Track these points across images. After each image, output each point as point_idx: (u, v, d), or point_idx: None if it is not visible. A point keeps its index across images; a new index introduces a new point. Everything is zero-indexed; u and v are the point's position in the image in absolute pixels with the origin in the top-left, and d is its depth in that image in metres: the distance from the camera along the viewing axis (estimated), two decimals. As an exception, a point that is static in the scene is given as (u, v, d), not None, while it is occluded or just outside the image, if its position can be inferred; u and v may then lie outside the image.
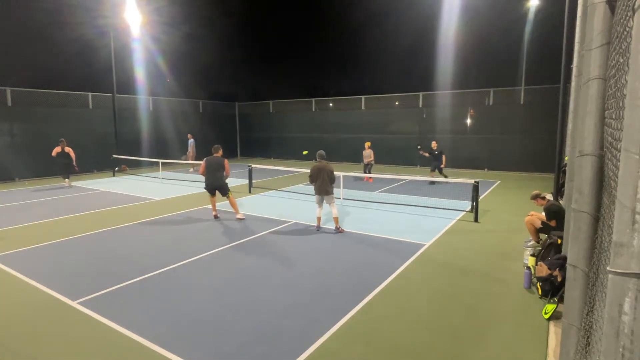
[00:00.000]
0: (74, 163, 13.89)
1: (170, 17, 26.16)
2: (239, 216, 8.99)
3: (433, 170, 13.90)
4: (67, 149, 13.75)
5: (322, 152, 8.10)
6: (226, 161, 9.03)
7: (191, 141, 18.32)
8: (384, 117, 20.73)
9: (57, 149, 13.70)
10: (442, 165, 13.74)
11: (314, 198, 8.10)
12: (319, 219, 8.06)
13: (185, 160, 17.92)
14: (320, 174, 7.77)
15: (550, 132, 13.41)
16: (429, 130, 19.17)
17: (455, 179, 11.36)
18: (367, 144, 15.27)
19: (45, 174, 16.29)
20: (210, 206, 9.50)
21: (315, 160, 8.12)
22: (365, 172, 14.76)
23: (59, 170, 14.25)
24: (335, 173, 7.93)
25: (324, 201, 7.99)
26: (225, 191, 9.02)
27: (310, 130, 23.16)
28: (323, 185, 7.77)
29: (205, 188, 9.05)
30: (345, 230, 8.00)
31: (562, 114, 8.99)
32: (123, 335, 4.09)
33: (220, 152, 9.14)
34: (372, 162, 15.00)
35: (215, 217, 9.13)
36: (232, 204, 9.05)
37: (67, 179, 14.19)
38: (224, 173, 8.96)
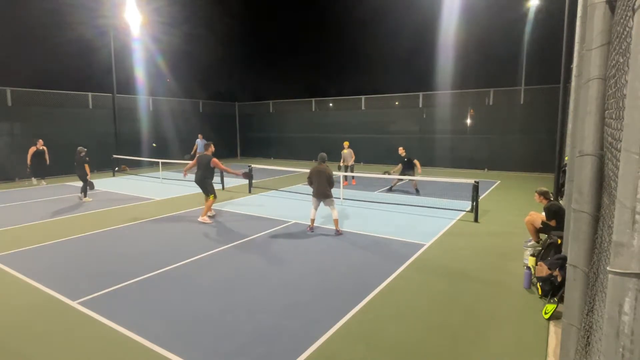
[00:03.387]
0: (28, 163, 14.01)
1: (170, 17, 26.21)
2: (200, 219, 8.65)
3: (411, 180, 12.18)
4: (43, 147, 13.84)
5: (323, 154, 7.93)
6: (214, 160, 8.60)
7: (203, 141, 18.18)
8: (384, 117, 20.73)
9: (33, 149, 13.79)
10: (419, 172, 12.14)
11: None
12: (312, 220, 7.94)
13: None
14: (318, 177, 7.64)
15: (550, 132, 13.40)
16: (429, 130, 19.18)
17: (455, 179, 11.36)
18: (346, 144, 14.13)
19: (45, 174, 16.27)
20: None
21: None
22: (345, 176, 13.59)
23: (35, 170, 14.29)
24: (337, 173, 7.92)
25: (323, 204, 7.88)
26: (206, 192, 8.67)
27: (310, 130, 23.16)
28: (321, 188, 7.65)
29: None
30: (344, 230, 8.00)
31: (562, 114, 8.99)
32: (123, 335, 4.09)
33: (210, 150, 8.81)
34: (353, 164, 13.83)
35: (213, 216, 9.06)
36: (206, 206, 8.69)
37: (42, 180, 14.29)
38: (212, 174, 8.68)
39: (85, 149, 11.41)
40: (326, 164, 7.85)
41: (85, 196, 11.46)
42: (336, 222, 7.74)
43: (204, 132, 20.09)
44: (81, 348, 3.90)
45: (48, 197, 12.13)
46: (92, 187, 11.75)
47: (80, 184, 11.75)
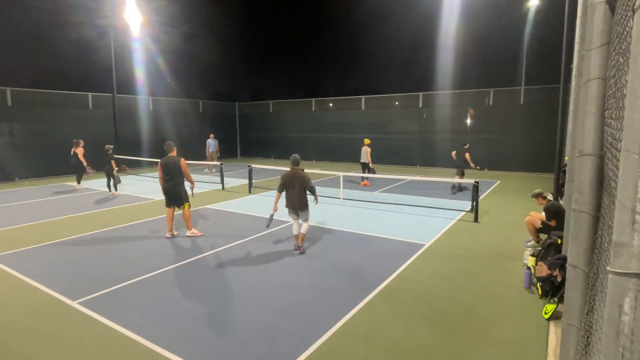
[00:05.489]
0: (85, 164, 13.37)
1: (170, 17, 26.18)
2: (188, 233, 7.65)
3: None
4: (77, 150, 13.36)
5: (295, 156, 6.67)
6: (183, 162, 7.38)
7: (215, 141, 18.20)
8: (384, 117, 20.74)
9: (82, 150, 13.26)
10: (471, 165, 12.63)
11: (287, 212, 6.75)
12: (296, 237, 6.74)
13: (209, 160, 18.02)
14: (292, 183, 6.44)
15: (550, 132, 13.39)
16: (429, 130, 19.18)
17: (455, 179, 11.36)
18: (366, 141, 13.95)
19: (45, 174, 16.30)
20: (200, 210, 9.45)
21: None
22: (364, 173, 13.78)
23: (78, 172, 13.72)
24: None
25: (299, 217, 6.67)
26: (180, 201, 7.46)
27: (310, 130, 23.17)
28: (294, 199, 6.44)
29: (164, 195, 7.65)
30: (344, 230, 7.99)
31: (562, 114, 8.98)
32: (123, 335, 4.09)
33: (175, 151, 7.52)
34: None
35: (172, 236, 7.63)
36: (186, 218, 7.62)
37: (76, 181, 14.04)
38: (184, 178, 7.43)
39: (112, 146, 12.44)
40: (301, 167, 6.60)
41: (116, 190, 12.41)
42: (302, 236, 6.65)
43: (204, 132, 20.10)
44: (81, 348, 3.90)
45: (48, 197, 12.13)
46: (119, 181, 12.59)
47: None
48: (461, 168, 12.35)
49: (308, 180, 6.49)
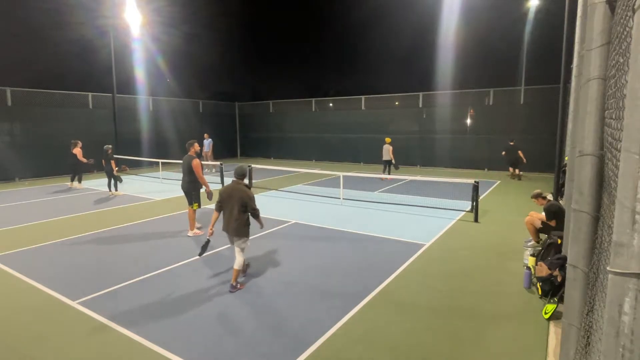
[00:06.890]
0: (85, 161, 13.40)
1: (170, 17, 26.17)
2: (190, 233, 7.72)
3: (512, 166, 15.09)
4: (74, 151, 13.29)
5: (241, 166, 5.45)
6: (195, 162, 7.45)
7: (209, 141, 18.59)
8: (384, 117, 20.73)
9: (80, 150, 13.33)
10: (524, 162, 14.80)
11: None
12: (235, 271, 5.19)
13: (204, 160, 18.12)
14: (229, 201, 5.13)
15: (550, 132, 13.40)
16: (429, 130, 19.18)
17: (455, 179, 11.36)
18: (387, 140, 14.97)
19: (45, 174, 16.30)
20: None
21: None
22: (384, 171, 14.90)
23: (75, 171, 13.82)
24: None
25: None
26: (190, 200, 7.60)
27: (310, 130, 23.17)
28: (229, 218, 5.13)
29: None
30: (344, 231, 7.99)
31: (562, 114, 8.99)
32: (123, 335, 4.09)
33: (193, 150, 7.58)
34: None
35: (194, 235, 7.71)
36: (190, 218, 7.70)
37: (72, 181, 14.01)
38: (196, 178, 7.49)
39: (111, 146, 12.51)
40: (245, 182, 5.31)
41: (116, 190, 12.44)
42: (235, 272, 5.17)
43: (204, 132, 20.10)
44: (81, 348, 3.90)
45: (48, 197, 12.13)
46: (120, 180, 12.69)
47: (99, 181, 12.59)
48: (518, 164, 14.77)
49: (250, 200, 5.09)
